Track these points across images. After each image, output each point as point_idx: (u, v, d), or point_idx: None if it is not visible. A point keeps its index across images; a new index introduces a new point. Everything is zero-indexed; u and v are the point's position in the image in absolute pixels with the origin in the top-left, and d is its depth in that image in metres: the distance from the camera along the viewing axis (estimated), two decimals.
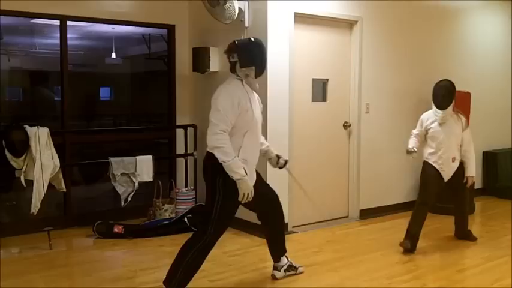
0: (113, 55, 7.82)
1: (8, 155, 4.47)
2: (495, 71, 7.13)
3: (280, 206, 3.84)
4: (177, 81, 5.86)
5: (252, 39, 3.58)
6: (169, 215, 5.27)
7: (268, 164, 3.96)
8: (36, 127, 4.59)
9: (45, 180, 4.53)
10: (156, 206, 5.33)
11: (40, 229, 4.66)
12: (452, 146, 4.62)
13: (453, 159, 4.63)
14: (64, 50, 5.18)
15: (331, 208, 5.61)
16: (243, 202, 3.32)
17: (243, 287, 3.75)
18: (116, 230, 4.93)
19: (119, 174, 5.03)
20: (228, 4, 4.84)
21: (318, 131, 5.46)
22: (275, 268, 3.86)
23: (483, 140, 6.67)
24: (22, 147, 4.51)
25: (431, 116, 4.67)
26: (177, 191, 5.44)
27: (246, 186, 3.27)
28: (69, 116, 5.26)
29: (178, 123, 5.86)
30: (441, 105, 4.56)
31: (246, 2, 5.01)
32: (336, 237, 5.04)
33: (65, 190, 4.85)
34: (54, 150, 4.65)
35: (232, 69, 3.45)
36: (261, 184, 3.62)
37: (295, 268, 3.93)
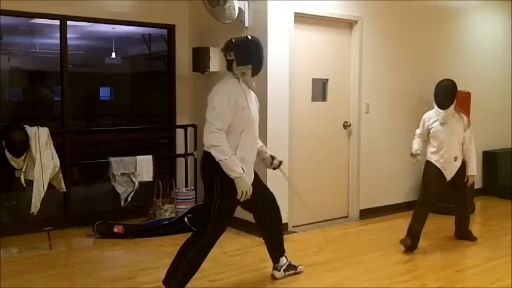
0: (113, 55, 7.82)
1: (8, 155, 4.47)
2: (495, 71, 7.13)
3: (278, 207, 3.82)
4: (177, 81, 5.86)
5: (249, 37, 3.57)
6: (169, 215, 5.27)
7: None
8: (36, 127, 4.59)
9: (45, 180, 4.53)
10: (156, 206, 5.33)
11: (40, 229, 4.66)
12: (454, 145, 4.63)
13: (455, 159, 4.63)
14: (64, 50, 5.18)
15: (331, 208, 5.62)
16: (241, 200, 3.31)
17: (243, 287, 3.75)
18: (115, 230, 4.93)
19: (119, 174, 5.03)
20: (228, 4, 4.84)
21: (318, 131, 5.46)
22: (275, 268, 3.86)
23: (483, 140, 6.66)
24: (22, 147, 4.51)
25: (433, 115, 4.68)
26: (177, 191, 5.44)
27: (245, 184, 3.26)
28: (69, 116, 5.26)
29: (178, 123, 5.86)
30: (443, 104, 4.57)
31: (246, 2, 5.01)
32: (336, 237, 5.04)
33: (65, 190, 4.85)
34: (54, 150, 4.65)
35: (229, 68, 3.44)
36: (258, 184, 3.59)
37: (295, 267, 3.92)
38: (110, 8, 5.34)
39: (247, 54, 3.40)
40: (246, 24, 5.01)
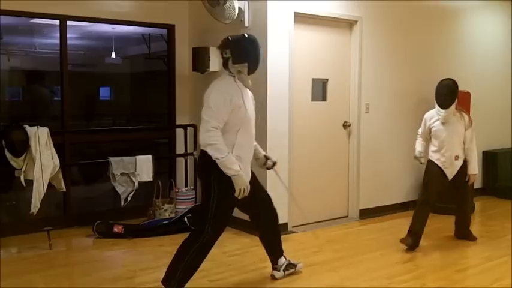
0: (113, 55, 7.81)
1: (8, 154, 4.47)
2: (495, 71, 7.13)
3: (274, 208, 3.79)
4: (177, 81, 5.86)
5: (246, 35, 3.54)
6: (169, 215, 5.27)
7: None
8: (36, 127, 4.59)
9: (45, 180, 4.53)
10: (156, 206, 5.33)
11: (40, 229, 4.66)
12: (455, 144, 4.64)
13: (456, 158, 4.64)
14: (64, 49, 5.18)
15: (330, 208, 5.62)
16: (239, 198, 3.28)
17: (243, 287, 3.75)
18: (115, 229, 4.93)
19: (118, 174, 5.03)
20: (228, 4, 4.84)
21: (317, 131, 5.46)
22: (274, 269, 3.85)
23: (483, 140, 6.65)
24: (22, 147, 4.51)
25: (434, 115, 4.69)
26: (176, 190, 5.44)
27: (242, 182, 3.25)
28: (69, 116, 5.25)
29: (178, 123, 5.85)
30: (443, 104, 4.57)
31: (246, 2, 5.01)
32: (336, 237, 5.04)
33: (64, 190, 4.84)
34: (54, 150, 4.65)
35: (225, 65, 3.42)
36: (255, 184, 3.54)
37: (294, 265, 3.91)
38: (110, 8, 5.34)
39: (244, 52, 3.38)
40: (246, 24, 5.01)
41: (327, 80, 5.54)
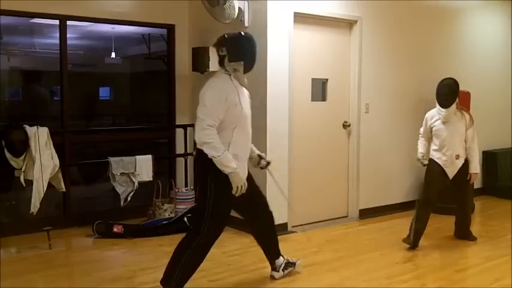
0: (113, 55, 7.81)
1: (8, 154, 4.47)
2: (495, 71, 7.13)
3: (269, 209, 3.77)
4: (177, 81, 5.86)
5: (242, 33, 3.51)
6: (169, 215, 5.27)
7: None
8: (35, 127, 4.59)
9: (45, 180, 4.53)
10: (156, 206, 5.33)
11: (39, 229, 4.65)
12: (456, 143, 4.64)
13: (457, 157, 4.64)
14: (64, 49, 5.18)
15: (330, 208, 5.62)
16: (236, 195, 3.26)
17: (243, 287, 3.75)
18: (115, 229, 4.92)
19: (118, 174, 5.04)
20: (227, 4, 4.84)
21: (317, 131, 5.46)
22: (273, 269, 3.84)
23: (483, 140, 6.63)
24: (22, 147, 4.51)
25: (435, 114, 4.70)
26: (176, 190, 5.44)
27: (239, 179, 3.23)
28: (68, 115, 5.25)
29: (177, 123, 5.85)
30: (444, 103, 4.58)
31: (246, 2, 5.01)
32: (336, 237, 5.04)
33: (64, 190, 4.85)
34: (53, 150, 4.65)
35: (221, 63, 3.42)
36: (251, 184, 3.50)
37: (293, 264, 3.89)
38: (110, 8, 5.34)
39: (240, 51, 3.37)
40: (246, 24, 5.01)
41: (327, 80, 5.54)
